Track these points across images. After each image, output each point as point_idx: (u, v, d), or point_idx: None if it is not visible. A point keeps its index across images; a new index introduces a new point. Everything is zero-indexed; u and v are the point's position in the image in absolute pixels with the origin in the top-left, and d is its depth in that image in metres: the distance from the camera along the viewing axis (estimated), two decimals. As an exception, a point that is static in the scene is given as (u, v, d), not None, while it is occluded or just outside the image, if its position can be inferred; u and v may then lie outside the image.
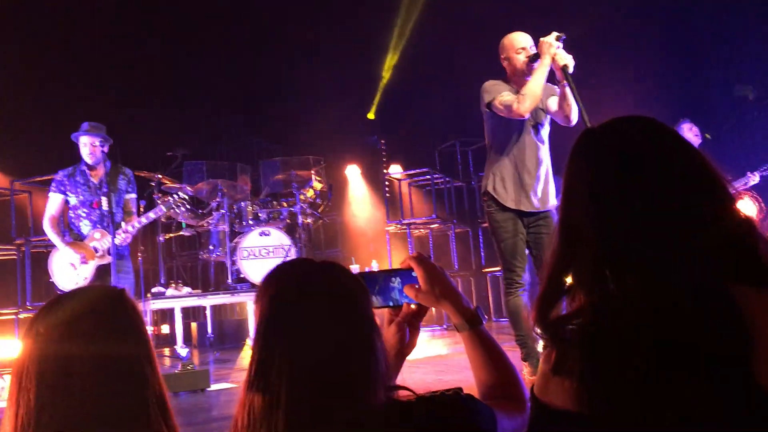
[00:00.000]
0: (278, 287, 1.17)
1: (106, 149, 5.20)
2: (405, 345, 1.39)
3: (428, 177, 9.85)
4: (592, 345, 0.93)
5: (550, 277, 1.04)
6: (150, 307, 7.58)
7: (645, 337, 0.89)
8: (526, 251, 4.05)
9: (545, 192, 4.04)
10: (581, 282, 0.99)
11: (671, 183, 0.97)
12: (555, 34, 3.73)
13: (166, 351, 7.80)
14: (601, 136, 1.06)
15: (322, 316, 1.11)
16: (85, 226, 5.17)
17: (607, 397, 0.90)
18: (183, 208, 5.90)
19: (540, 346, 4.01)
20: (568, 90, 3.78)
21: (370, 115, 12.16)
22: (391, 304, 1.40)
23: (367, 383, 1.08)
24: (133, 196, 5.38)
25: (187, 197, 5.92)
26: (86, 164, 5.18)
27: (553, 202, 4.08)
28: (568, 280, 1.03)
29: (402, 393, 1.16)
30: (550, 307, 1.01)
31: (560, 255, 1.03)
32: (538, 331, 1.02)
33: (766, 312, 0.89)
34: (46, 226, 5.17)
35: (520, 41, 4.02)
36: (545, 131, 4.10)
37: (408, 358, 1.43)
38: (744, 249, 0.94)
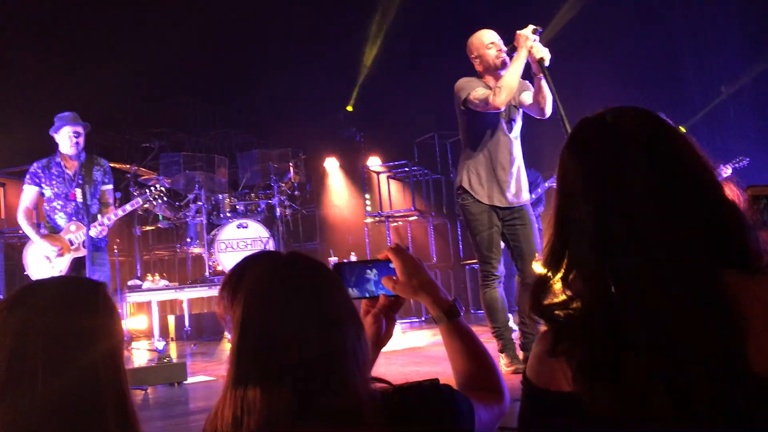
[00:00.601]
0: (253, 276, 1.16)
1: (83, 141, 5.15)
2: (381, 336, 1.40)
3: (407, 169, 9.88)
4: (589, 329, 0.94)
5: (547, 263, 1.05)
6: (126, 300, 7.52)
7: (640, 322, 0.91)
8: (502, 244, 4.10)
9: (518, 187, 4.09)
10: (577, 269, 1.00)
11: (664, 171, 0.99)
12: (531, 26, 3.76)
13: (144, 344, 7.74)
14: (596, 126, 1.08)
15: (294, 306, 1.10)
16: (60, 219, 5.09)
17: (604, 378, 0.91)
18: (160, 201, 5.83)
19: (515, 336, 4.06)
20: (544, 83, 3.81)
21: (349, 108, 12.13)
22: (367, 295, 1.40)
23: (344, 373, 1.08)
24: (110, 187, 5.29)
25: (164, 190, 5.86)
26: (61, 155, 5.10)
27: (526, 196, 4.13)
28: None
29: (378, 385, 1.16)
30: (546, 292, 1.03)
31: (556, 243, 1.05)
32: (535, 316, 1.03)
33: (758, 299, 0.91)
34: (21, 219, 5.08)
35: (488, 37, 4.05)
36: (518, 127, 4.15)
37: (386, 349, 1.43)
38: (733, 236, 0.97)
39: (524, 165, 4.18)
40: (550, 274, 1.04)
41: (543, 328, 1.04)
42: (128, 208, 5.33)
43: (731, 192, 1.00)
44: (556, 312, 1.00)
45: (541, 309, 1.02)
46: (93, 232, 4.87)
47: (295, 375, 1.06)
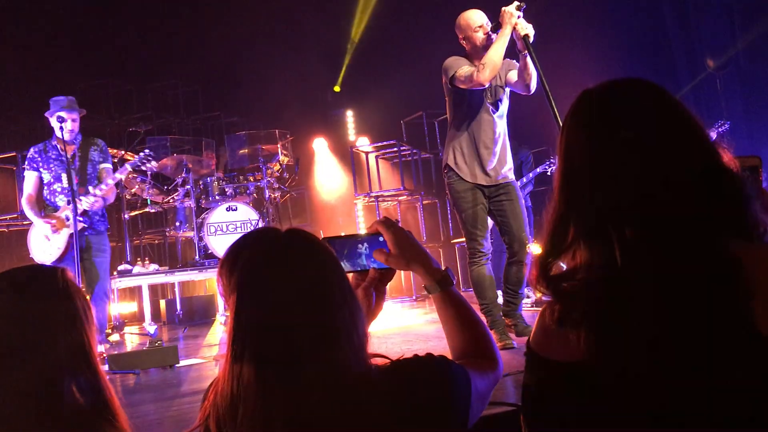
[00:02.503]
0: (247, 256, 1.16)
1: (77, 127, 5.16)
2: (371, 309, 1.41)
3: (395, 149, 9.85)
4: (595, 297, 0.95)
5: (551, 235, 1.06)
6: (117, 284, 7.51)
7: (647, 289, 0.92)
8: (489, 220, 4.13)
9: (501, 165, 4.13)
10: (583, 239, 1.01)
11: (666, 140, 1.00)
12: (516, 3, 3.76)
13: (135, 328, 7.74)
14: (599, 97, 1.08)
15: (286, 290, 1.11)
16: (60, 201, 5.14)
17: (613, 346, 0.92)
18: (150, 165, 5.79)
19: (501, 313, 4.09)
20: (529, 60, 3.82)
21: (336, 88, 12.07)
22: (358, 269, 1.40)
23: (337, 352, 1.09)
24: (108, 165, 5.32)
25: (152, 156, 5.80)
26: (57, 139, 5.09)
27: (511, 175, 4.18)
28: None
29: (376, 360, 1.17)
30: (551, 264, 1.04)
31: (560, 213, 1.06)
32: (540, 287, 1.04)
33: (761, 262, 0.92)
34: (24, 205, 5.16)
35: (476, 20, 4.04)
36: (504, 107, 4.16)
37: (378, 329, 1.44)
38: (733, 202, 0.98)
39: (516, 144, 4.21)
40: (554, 246, 1.05)
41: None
42: (117, 176, 5.32)
43: (727, 158, 1.01)
44: (563, 284, 1.01)
45: (547, 281, 1.03)
46: (86, 204, 4.92)
47: (288, 356, 1.06)
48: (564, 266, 1.05)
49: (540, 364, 1.03)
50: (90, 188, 5.06)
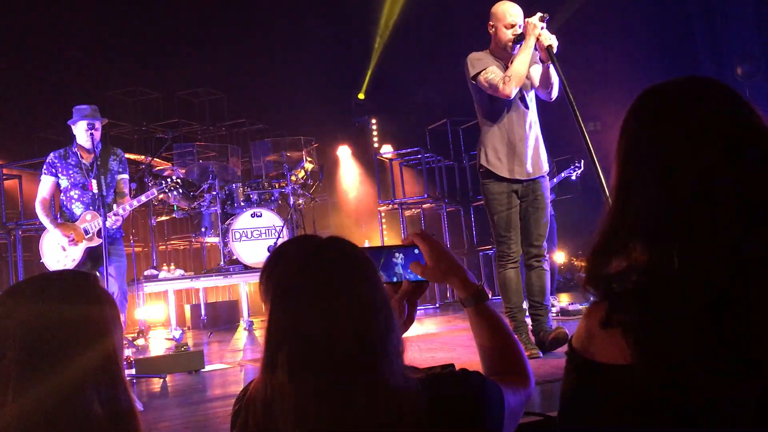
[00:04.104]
0: (285, 264, 1.15)
1: (99, 135, 5.19)
2: (403, 322, 1.41)
3: (419, 156, 9.85)
4: (650, 301, 0.93)
5: (605, 233, 1.04)
6: (143, 290, 7.59)
7: (702, 295, 0.90)
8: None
9: (537, 156, 4.07)
10: (641, 241, 0.98)
11: (736, 138, 0.98)
12: (539, 14, 3.75)
13: (161, 333, 7.82)
14: (665, 95, 1.06)
15: (320, 303, 1.09)
16: (77, 208, 5.12)
17: (663, 350, 0.91)
18: (175, 192, 5.87)
19: (528, 319, 4.05)
20: (552, 69, 3.81)
21: (361, 96, 12.12)
22: (395, 279, 1.41)
23: (385, 360, 1.07)
24: (126, 176, 5.33)
25: (179, 181, 5.89)
26: (78, 146, 5.15)
27: (545, 167, 4.11)
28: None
29: (412, 374, 1.15)
30: (603, 263, 1.01)
31: (617, 213, 1.03)
32: (589, 287, 1.02)
33: None
34: (38, 209, 5.12)
35: (512, 15, 3.99)
36: (532, 95, 4.12)
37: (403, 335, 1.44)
38: None
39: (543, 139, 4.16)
40: (608, 246, 1.02)
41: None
42: (143, 198, 5.36)
43: None
44: (613, 285, 0.98)
45: (596, 281, 1.01)
46: (108, 222, 4.87)
47: (322, 369, 1.05)
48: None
49: (582, 364, 1.01)
50: (114, 206, 5.07)
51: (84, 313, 1.16)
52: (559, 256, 7.82)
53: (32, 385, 1.08)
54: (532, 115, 4.08)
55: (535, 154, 4.05)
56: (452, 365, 1.20)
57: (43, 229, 5.21)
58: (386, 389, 1.06)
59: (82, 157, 5.12)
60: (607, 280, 1.00)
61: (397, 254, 1.41)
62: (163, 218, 9.47)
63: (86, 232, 5.07)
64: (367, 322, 1.09)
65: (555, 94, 3.94)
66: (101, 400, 1.12)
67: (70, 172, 5.14)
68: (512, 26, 3.98)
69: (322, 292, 1.09)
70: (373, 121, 11.97)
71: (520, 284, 4.05)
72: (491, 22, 4.07)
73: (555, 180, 6.85)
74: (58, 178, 5.16)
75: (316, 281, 1.11)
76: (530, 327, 4.05)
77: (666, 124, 1.02)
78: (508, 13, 4.00)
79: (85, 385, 1.11)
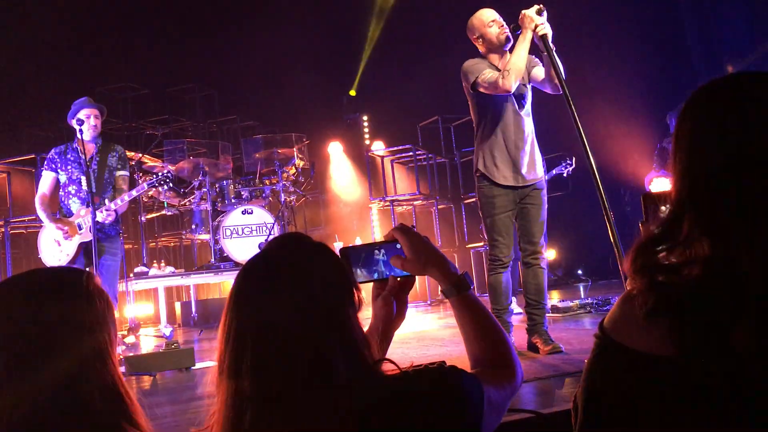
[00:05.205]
0: (248, 263, 1.17)
1: (99, 125, 5.16)
2: (393, 318, 1.39)
3: (411, 153, 9.85)
4: (706, 294, 0.91)
5: (666, 224, 1.01)
6: (133, 287, 7.55)
7: (759, 296, 0.88)
8: (514, 225, 4.08)
9: (533, 162, 4.08)
10: (704, 230, 0.96)
11: None
12: (536, 6, 3.72)
13: (151, 330, 7.78)
14: (737, 85, 1.03)
15: (280, 289, 1.10)
16: (74, 204, 5.11)
17: (713, 346, 0.89)
18: (166, 186, 5.84)
19: (517, 320, 4.06)
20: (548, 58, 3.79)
21: (352, 92, 12.10)
22: (376, 276, 1.39)
23: (333, 357, 1.07)
24: (125, 173, 5.29)
25: (170, 177, 5.86)
26: (78, 141, 5.07)
27: (540, 173, 4.12)
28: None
29: (387, 367, 1.15)
30: (654, 252, 0.99)
31: (679, 204, 1.01)
32: (636, 274, 0.99)
33: None
34: (37, 204, 5.13)
35: (487, 15, 4.01)
36: (528, 104, 4.11)
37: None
38: None
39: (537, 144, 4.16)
40: (666, 236, 1.00)
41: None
42: (134, 193, 5.33)
43: None
44: (660, 276, 0.96)
45: (643, 269, 0.99)
46: (99, 217, 4.87)
47: (279, 371, 1.05)
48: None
49: (614, 348, 1.00)
50: (106, 200, 5.04)
51: (75, 310, 1.17)
52: (550, 254, 7.83)
53: (23, 381, 1.09)
54: (529, 122, 4.08)
55: (531, 160, 4.06)
56: (443, 362, 1.18)
57: (34, 226, 5.19)
58: (344, 387, 1.05)
59: (81, 153, 5.08)
60: (656, 270, 0.98)
61: (377, 251, 1.39)
62: (154, 215, 9.42)
63: (79, 227, 5.05)
64: (316, 320, 1.08)
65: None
66: (101, 393, 1.14)
67: (69, 167, 5.12)
68: (494, 22, 3.98)
69: (264, 294, 1.10)
70: (365, 117, 11.95)
71: (509, 286, 4.07)
72: (473, 36, 4.07)
73: (546, 177, 6.84)
74: (58, 173, 5.15)
75: (266, 284, 1.12)
76: (524, 325, 4.07)
77: (732, 112, 0.99)
78: (484, 16, 4.02)
79: (80, 379, 1.12)
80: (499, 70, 3.88)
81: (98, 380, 1.15)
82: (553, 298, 7.08)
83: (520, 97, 4.02)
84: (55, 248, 5.10)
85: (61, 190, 5.18)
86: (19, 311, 1.13)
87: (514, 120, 4.00)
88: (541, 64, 3.97)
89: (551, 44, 3.65)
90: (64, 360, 1.12)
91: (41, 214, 5.10)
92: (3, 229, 8.07)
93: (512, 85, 3.78)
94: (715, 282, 0.92)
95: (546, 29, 3.67)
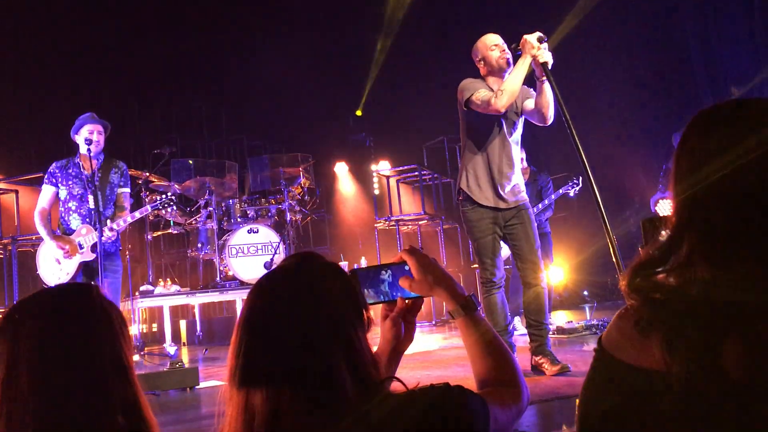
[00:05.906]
0: (261, 279, 1.18)
1: (103, 141, 5.11)
2: (401, 340, 1.40)
3: (416, 173, 9.87)
4: (702, 314, 0.92)
5: (663, 247, 1.02)
6: (138, 305, 7.56)
7: (759, 317, 0.88)
8: (504, 246, 4.12)
9: (516, 189, 4.13)
10: (702, 253, 0.96)
11: None
12: (538, 34, 3.76)
13: (156, 349, 7.77)
14: (734, 110, 1.04)
15: (291, 306, 1.11)
16: (74, 220, 5.04)
17: (706, 362, 0.89)
18: (170, 209, 5.84)
19: (514, 339, 4.05)
20: (546, 86, 3.83)
21: (358, 112, 12.16)
22: (383, 298, 1.40)
23: (341, 375, 1.08)
24: (126, 190, 5.25)
25: (175, 198, 5.86)
26: (80, 156, 5.06)
27: (524, 196, 4.15)
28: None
29: (394, 386, 1.15)
30: (652, 273, 1.00)
31: (680, 228, 1.01)
32: (632, 292, 1.00)
33: None
34: (36, 218, 5.05)
35: (491, 39, 4.11)
36: (518, 133, 4.18)
37: (397, 353, 1.43)
38: None
39: (535, 170, 4.22)
40: (662, 257, 1.01)
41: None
42: (137, 215, 5.27)
43: None
44: (653, 294, 0.98)
45: (639, 286, 1.00)
46: (102, 237, 4.82)
47: (289, 383, 1.07)
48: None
49: (610, 363, 1.01)
50: (108, 221, 4.99)
51: (92, 325, 1.19)
52: (558, 273, 7.80)
53: (50, 402, 1.10)
54: (516, 150, 4.16)
55: (514, 187, 4.12)
56: (447, 383, 1.19)
57: (39, 243, 5.16)
58: (351, 405, 1.06)
59: (83, 168, 5.06)
60: (654, 288, 0.99)
61: (384, 272, 1.40)
62: (160, 233, 9.45)
63: (80, 246, 4.99)
64: (326, 338, 1.10)
65: (551, 115, 3.95)
66: (123, 407, 1.16)
67: (70, 182, 5.05)
68: (496, 46, 4.06)
69: (276, 311, 1.12)
70: (371, 138, 12.00)
71: (505, 305, 4.10)
72: (477, 58, 4.16)
73: (553, 196, 6.84)
74: (58, 188, 5.07)
75: (272, 301, 1.14)
76: (526, 345, 4.06)
77: (737, 134, 0.99)
78: (488, 39, 4.12)
79: (103, 396, 1.14)
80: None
81: (120, 396, 1.16)
82: (559, 320, 7.04)
83: (511, 124, 4.09)
84: (55, 266, 5.04)
85: (60, 205, 5.11)
86: (38, 335, 1.15)
87: (501, 144, 4.06)
88: (534, 95, 4.01)
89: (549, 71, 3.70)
90: (87, 377, 1.14)
91: (41, 230, 5.02)
92: (11, 247, 8.10)
93: (504, 105, 3.84)
94: (712, 303, 0.92)
95: (547, 57, 3.72)
